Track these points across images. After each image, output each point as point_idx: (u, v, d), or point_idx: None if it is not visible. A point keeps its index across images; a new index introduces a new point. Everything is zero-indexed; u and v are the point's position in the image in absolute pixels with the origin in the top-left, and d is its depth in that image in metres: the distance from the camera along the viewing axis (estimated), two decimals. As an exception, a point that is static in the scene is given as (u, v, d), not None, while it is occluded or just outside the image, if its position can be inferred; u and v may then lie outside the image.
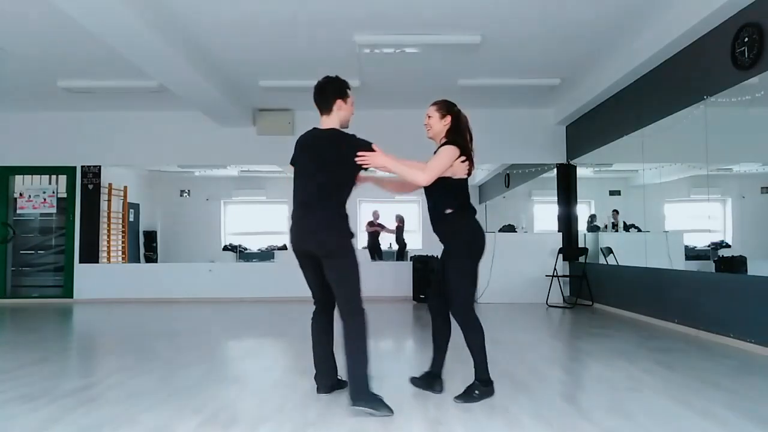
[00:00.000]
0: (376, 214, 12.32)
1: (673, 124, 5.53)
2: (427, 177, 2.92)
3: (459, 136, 3.12)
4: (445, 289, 3.08)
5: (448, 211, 3.05)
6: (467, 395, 2.96)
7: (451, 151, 2.99)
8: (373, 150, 2.90)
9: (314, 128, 3.04)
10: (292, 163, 3.10)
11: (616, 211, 8.06)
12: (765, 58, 4.19)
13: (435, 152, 3.13)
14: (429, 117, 3.20)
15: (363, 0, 4.88)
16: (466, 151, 3.08)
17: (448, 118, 3.17)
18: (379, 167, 2.94)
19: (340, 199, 2.91)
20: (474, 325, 2.98)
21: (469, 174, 3.10)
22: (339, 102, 2.99)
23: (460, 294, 3.01)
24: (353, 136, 2.98)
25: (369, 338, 2.88)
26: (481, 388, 2.96)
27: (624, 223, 7.74)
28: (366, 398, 2.73)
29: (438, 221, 3.10)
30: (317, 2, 4.92)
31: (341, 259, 2.88)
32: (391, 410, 2.73)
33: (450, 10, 5.09)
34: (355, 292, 2.90)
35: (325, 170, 2.89)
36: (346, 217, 2.92)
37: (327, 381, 3.11)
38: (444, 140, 3.13)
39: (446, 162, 2.96)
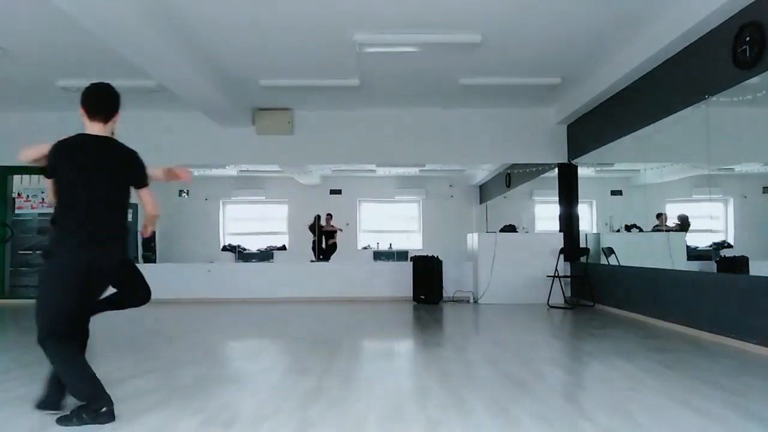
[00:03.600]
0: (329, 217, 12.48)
1: (675, 124, 5.52)
2: None
3: None
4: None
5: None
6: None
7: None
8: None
9: (86, 134, 2.85)
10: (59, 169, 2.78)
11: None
12: (766, 57, 4.17)
13: None
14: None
15: (363, -1, 4.88)
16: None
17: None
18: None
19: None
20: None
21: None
22: (117, 116, 2.91)
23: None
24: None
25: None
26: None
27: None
28: None
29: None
30: (317, 2, 4.91)
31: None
32: None
33: (450, 10, 5.07)
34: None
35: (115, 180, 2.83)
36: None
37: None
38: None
39: None
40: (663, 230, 6.66)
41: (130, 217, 3.20)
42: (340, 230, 12.64)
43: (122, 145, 2.91)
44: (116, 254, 2.83)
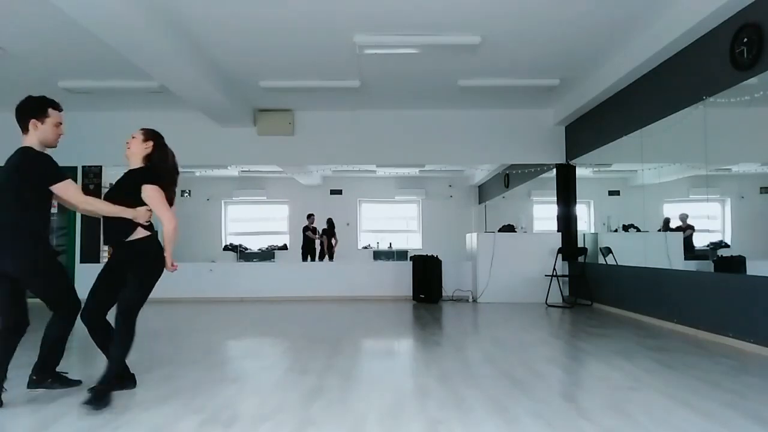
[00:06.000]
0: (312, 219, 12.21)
1: (673, 125, 5.55)
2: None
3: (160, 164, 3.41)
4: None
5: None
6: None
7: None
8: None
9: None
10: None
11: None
12: (764, 58, 4.20)
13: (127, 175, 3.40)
14: (133, 137, 3.46)
15: (363, 0, 4.90)
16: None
17: (150, 144, 3.44)
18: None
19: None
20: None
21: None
22: (34, 121, 3.26)
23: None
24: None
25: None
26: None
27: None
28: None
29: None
30: (317, 3, 4.93)
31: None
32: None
33: (450, 11, 5.10)
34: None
35: None
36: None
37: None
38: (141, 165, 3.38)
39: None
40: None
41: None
42: (318, 236, 12.29)
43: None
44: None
